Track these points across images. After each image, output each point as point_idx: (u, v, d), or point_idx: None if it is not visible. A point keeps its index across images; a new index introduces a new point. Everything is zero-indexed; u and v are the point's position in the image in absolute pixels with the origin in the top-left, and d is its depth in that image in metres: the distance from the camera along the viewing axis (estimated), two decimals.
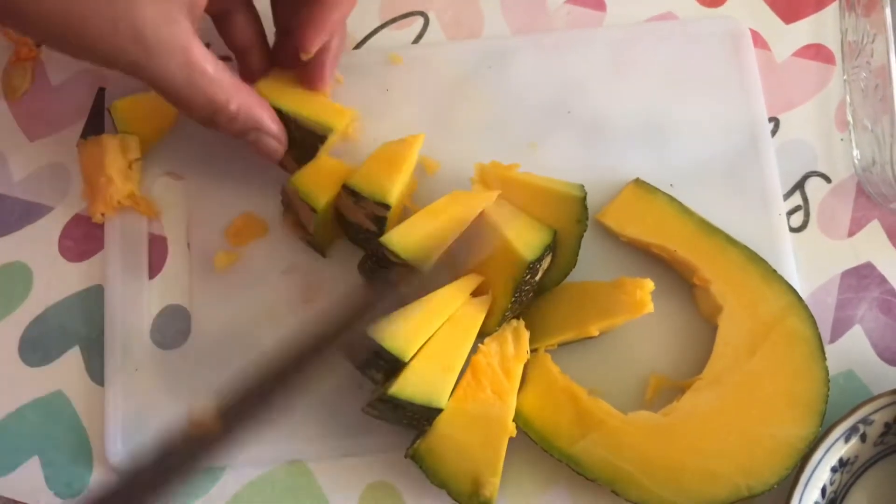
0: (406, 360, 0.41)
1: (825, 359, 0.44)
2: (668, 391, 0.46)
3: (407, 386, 0.41)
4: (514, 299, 0.44)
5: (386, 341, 0.41)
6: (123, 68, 0.40)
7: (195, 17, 0.40)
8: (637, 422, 0.44)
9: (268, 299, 0.49)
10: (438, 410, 0.42)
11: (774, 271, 0.46)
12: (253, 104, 0.43)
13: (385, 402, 0.42)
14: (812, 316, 0.45)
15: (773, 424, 0.43)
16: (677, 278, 0.48)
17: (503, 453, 0.43)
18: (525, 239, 0.44)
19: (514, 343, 0.45)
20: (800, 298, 0.45)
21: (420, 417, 0.43)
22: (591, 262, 0.48)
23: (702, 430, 0.44)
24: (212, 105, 0.42)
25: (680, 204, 0.48)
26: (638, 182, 0.48)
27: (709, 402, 0.44)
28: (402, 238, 0.43)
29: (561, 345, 0.46)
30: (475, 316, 0.44)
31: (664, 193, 0.48)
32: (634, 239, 0.47)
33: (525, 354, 0.45)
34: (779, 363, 0.44)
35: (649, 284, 0.44)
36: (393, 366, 0.42)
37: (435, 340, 0.43)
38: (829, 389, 0.43)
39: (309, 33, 0.44)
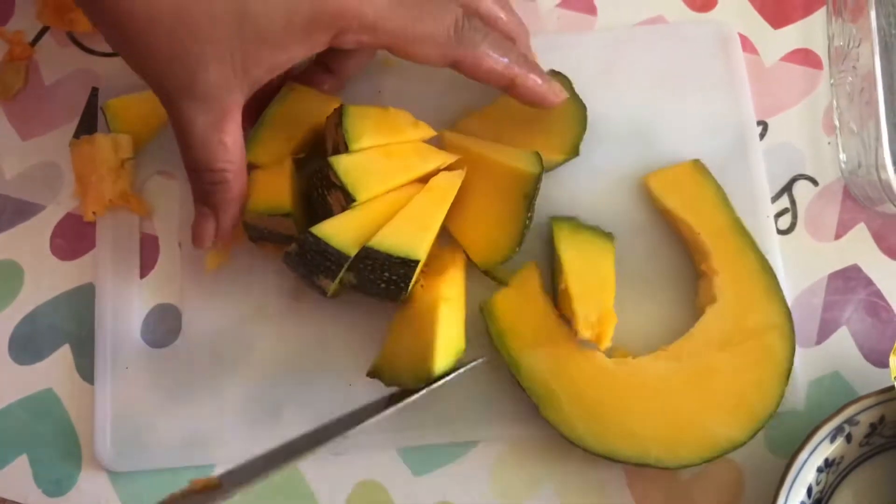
0: (352, 255, 0.42)
1: (787, 384, 0.44)
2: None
3: (385, 239, 0.42)
4: (528, 216, 0.45)
5: (331, 239, 0.42)
6: (157, 93, 0.41)
7: (249, 92, 0.42)
8: (589, 357, 0.45)
9: (258, 298, 0.49)
10: (416, 263, 0.43)
11: (780, 290, 0.46)
12: (234, 193, 0.44)
13: (365, 259, 0.42)
14: (793, 344, 0.45)
15: (709, 417, 0.44)
16: (688, 264, 0.49)
17: (438, 326, 0.43)
18: (520, 159, 0.46)
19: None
20: (791, 323, 0.45)
21: (398, 277, 0.43)
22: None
23: (642, 390, 0.45)
24: (206, 165, 0.42)
25: (725, 196, 0.48)
26: (696, 163, 0.49)
27: (661, 371, 0.45)
28: (350, 164, 0.43)
29: None
30: (450, 184, 0.46)
31: (715, 181, 0.49)
32: (668, 210, 0.48)
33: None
34: (742, 368, 0.45)
35: None
36: (340, 267, 0.42)
37: (411, 206, 0.44)
38: (776, 411, 0.44)
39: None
